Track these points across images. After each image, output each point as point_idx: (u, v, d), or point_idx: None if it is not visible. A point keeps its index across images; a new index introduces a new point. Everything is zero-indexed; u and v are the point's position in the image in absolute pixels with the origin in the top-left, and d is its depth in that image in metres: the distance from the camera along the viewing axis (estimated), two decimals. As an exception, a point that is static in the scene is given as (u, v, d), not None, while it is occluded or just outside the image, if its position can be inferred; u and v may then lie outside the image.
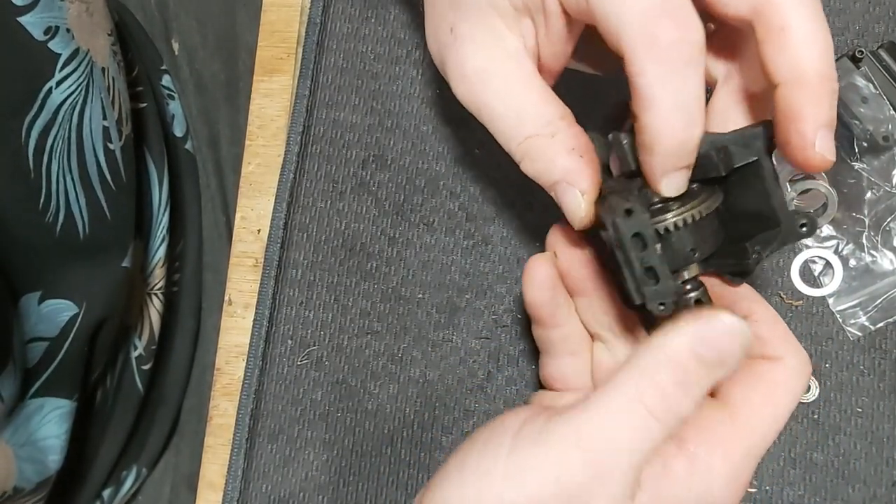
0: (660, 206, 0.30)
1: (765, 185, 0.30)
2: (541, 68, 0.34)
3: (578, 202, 0.32)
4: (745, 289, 0.33)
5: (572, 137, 0.32)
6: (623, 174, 0.31)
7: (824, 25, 0.29)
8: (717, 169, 0.30)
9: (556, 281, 0.35)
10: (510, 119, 0.33)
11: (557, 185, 0.32)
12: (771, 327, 0.32)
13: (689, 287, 0.31)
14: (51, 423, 0.50)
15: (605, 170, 0.32)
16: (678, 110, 0.28)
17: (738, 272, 0.32)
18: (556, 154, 0.32)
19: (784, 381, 0.31)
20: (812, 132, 0.28)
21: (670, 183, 0.29)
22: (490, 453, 0.29)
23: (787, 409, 0.30)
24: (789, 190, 0.44)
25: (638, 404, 0.28)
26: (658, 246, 0.29)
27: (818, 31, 0.29)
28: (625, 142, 0.30)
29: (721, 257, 0.32)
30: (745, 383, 0.31)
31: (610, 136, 0.31)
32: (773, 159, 0.42)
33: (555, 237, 0.35)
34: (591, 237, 0.33)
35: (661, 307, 0.29)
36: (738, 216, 0.31)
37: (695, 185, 0.31)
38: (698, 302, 0.31)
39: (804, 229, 0.30)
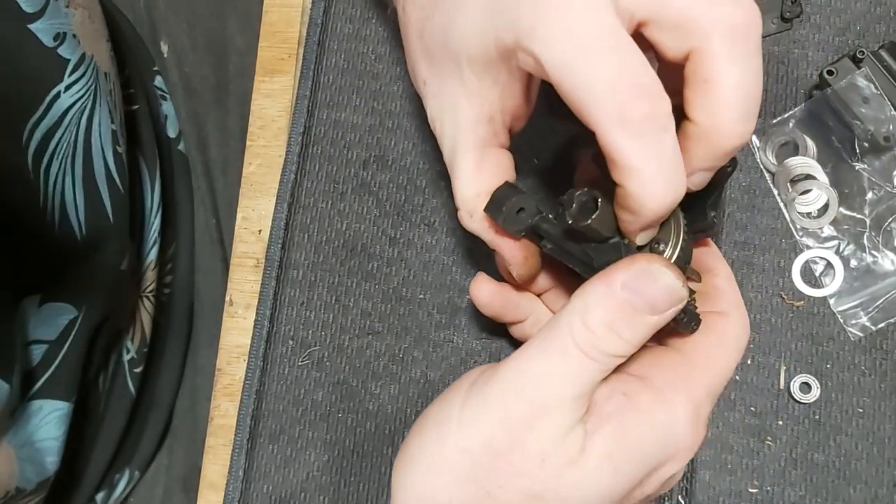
0: (653, 247, 0.33)
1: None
2: (511, 120, 0.36)
3: (504, 268, 0.36)
4: (711, 247, 0.36)
5: (485, 218, 0.35)
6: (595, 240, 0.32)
7: (751, 82, 0.29)
8: None
9: (500, 291, 0.38)
10: (452, 173, 0.36)
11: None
12: (727, 283, 0.35)
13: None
14: (49, 424, 0.50)
15: (572, 235, 0.33)
16: (661, 177, 0.29)
17: (706, 235, 0.35)
18: (476, 230, 0.36)
19: (731, 331, 0.33)
20: (688, 171, 0.30)
21: (646, 236, 0.32)
22: (445, 409, 0.31)
23: (735, 357, 0.33)
24: (790, 191, 0.44)
25: (571, 345, 0.29)
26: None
27: (740, 90, 0.29)
28: (593, 222, 0.31)
29: (692, 233, 0.34)
30: (699, 332, 0.33)
31: (569, 220, 0.31)
32: (774, 156, 0.43)
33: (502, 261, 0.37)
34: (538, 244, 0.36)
35: (696, 326, 0.33)
36: (686, 199, 0.33)
37: None
38: (688, 278, 0.33)
39: (730, 169, 0.32)
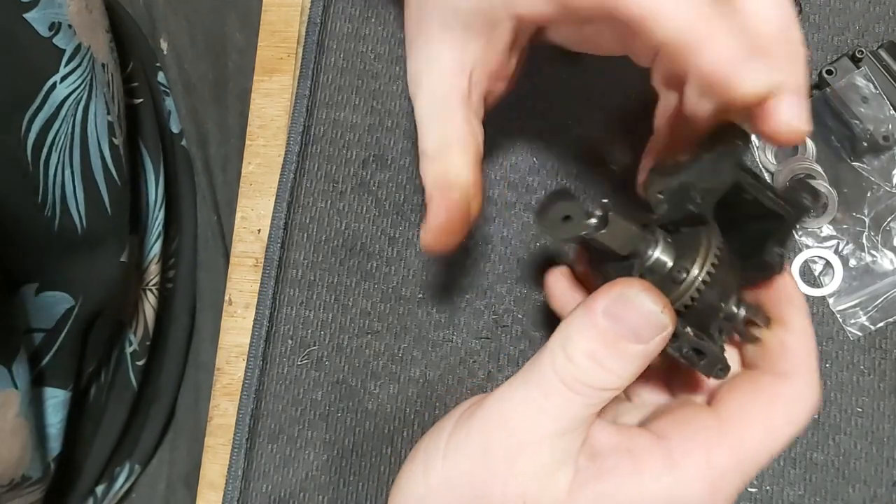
0: (674, 275, 0.30)
1: (754, 194, 0.30)
2: (492, 85, 0.35)
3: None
4: (792, 295, 0.31)
5: (450, 169, 0.34)
6: (612, 259, 0.31)
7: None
8: (703, 217, 0.30)
9: (574, 291, 0.36)
10: (420, 128, 0.35)
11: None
12: (798, 341, 0.30)
13: (734, 311, 0.31)
14: (47, 411, 0.50)
15: (594, 254, 0.32)
16: (721, 32, 0.27)
17: (769, 275, 0.32)
18: (431, 183, 0.34)
19: (786, 398, 0.29)
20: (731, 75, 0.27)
21: (756, 75, 0.27)
22: (434, 439, 0.30)
23: (786, 430, 0.29)
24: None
25: (553, 378, 0.28)
26: (688, 331, 0.29)
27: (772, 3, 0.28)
28: (602, 237, 0.30)
29: (750, 270, 0.31)
30: (743, 392, 0.29)
31: (583, 232, 0.30)
32: (773, 156, 0.41)
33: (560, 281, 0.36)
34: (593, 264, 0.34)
35: (721, 371, 0.30)
36: (746, 229, 0.31)
37: (685, 230, 0.31)
38: (749, 322, 0.31)
39: (807, 202, 0.29)
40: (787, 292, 0.31)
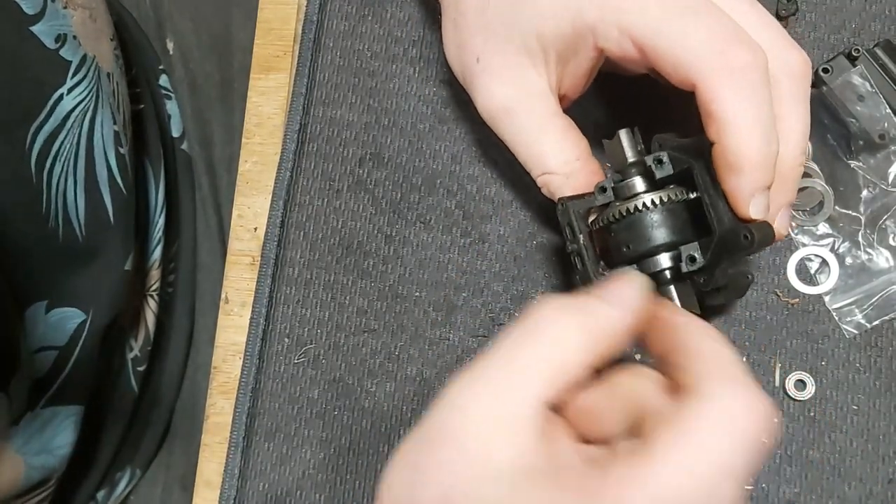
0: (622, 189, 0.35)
1: (698, 189, 0.32)
2: (562, 97, 0.36)
3: None
4: (689, 322, 0.29)
5: (585, 178, 0.35)
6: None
7: (758, 115, 0.29)
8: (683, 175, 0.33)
9: None
10: (531, 154, 0.36)
11: None
12: (701, 362, 0.27)
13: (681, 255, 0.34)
14: (67, 430, 0.50)
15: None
16: (759, 128, 0.29)
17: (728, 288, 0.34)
18: (578, 188, 0.36)
19: (701, 420, 0.25)
20: (747, 195, 0.30)
21: (758, 204, 0.30)
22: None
23: (719, 446, 0.24)
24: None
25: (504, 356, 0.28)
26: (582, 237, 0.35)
27: (745, 121, 0.29)
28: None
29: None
30: (664, 420, 0.26)
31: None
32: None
33: None
34: None
35: (583, 278, 0.35)
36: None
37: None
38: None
39: (745, 241, 0.30)
40: (689, 322, 0.29)
